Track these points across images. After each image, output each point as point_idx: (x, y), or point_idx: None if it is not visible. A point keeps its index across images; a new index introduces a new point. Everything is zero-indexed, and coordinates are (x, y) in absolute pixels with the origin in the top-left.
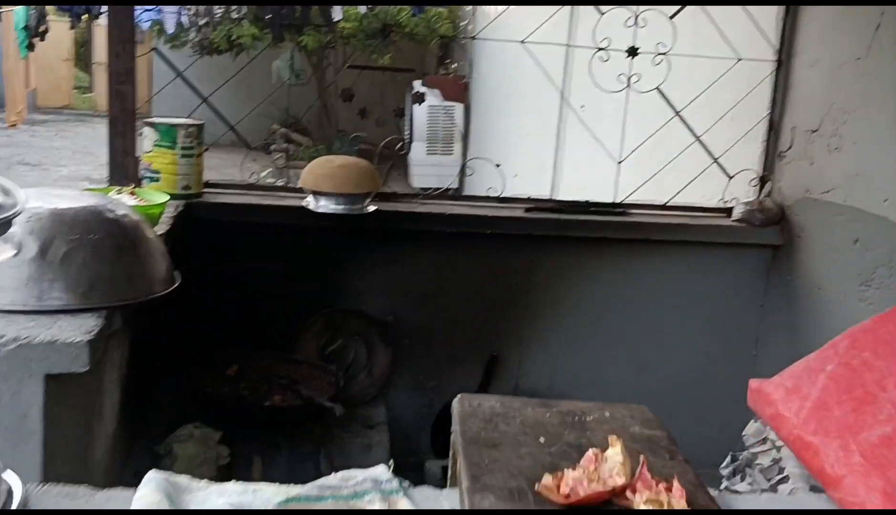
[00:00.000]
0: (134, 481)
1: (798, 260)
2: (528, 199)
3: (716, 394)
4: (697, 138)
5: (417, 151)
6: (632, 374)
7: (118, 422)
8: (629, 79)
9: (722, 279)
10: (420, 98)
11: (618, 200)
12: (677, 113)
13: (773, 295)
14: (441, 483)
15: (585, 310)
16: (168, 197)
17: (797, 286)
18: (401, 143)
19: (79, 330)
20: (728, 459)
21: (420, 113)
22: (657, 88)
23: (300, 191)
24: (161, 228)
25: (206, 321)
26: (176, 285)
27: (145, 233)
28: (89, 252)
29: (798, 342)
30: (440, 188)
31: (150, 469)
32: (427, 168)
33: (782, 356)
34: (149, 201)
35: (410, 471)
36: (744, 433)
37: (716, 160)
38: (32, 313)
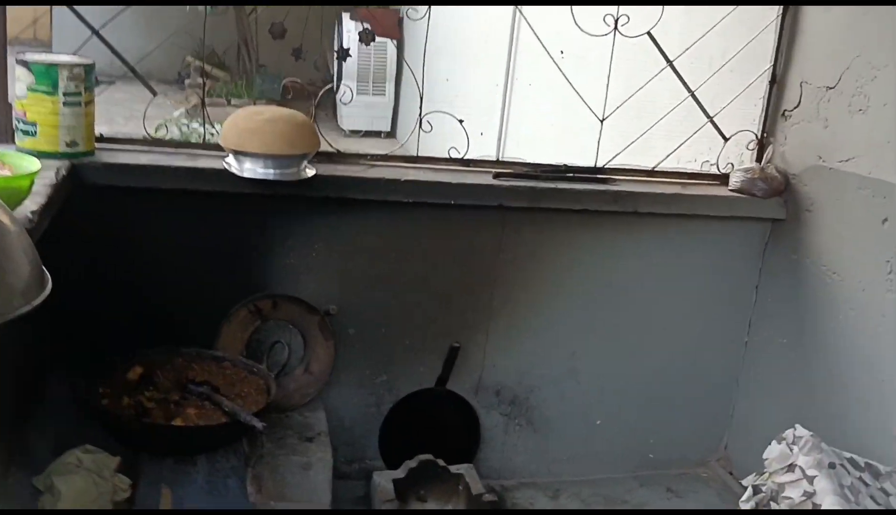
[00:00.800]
0: None
1: (806, 238)
2: (497, 162)
3: (704, 385)
4: (691, 92)
5: (346, 91)
6: (612, 365)
7: None
8: (616, 20)
9: (714, 256)
10: (369, 37)
11: (599, 165)
12: (670, 63)
13: (770, 276)
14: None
15: (562, 293)
16: (38, 166)
17: (803, 268)
18: (329, 87)
19: None
20: (749, 491)
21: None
22: (648, 33)
23: (220, 148)
24: (34, 201)
25: (103, 313)
26: (44, 295)
27: (2, 225)
28: None
29: (802, 332)
30: (375, 130)
31: (27, 510)
32: (358, 109)
33: (777, 345)
34: (15, 169)
35: (355, 480)
36: (765, 456)
37: (710, 119)
38: None
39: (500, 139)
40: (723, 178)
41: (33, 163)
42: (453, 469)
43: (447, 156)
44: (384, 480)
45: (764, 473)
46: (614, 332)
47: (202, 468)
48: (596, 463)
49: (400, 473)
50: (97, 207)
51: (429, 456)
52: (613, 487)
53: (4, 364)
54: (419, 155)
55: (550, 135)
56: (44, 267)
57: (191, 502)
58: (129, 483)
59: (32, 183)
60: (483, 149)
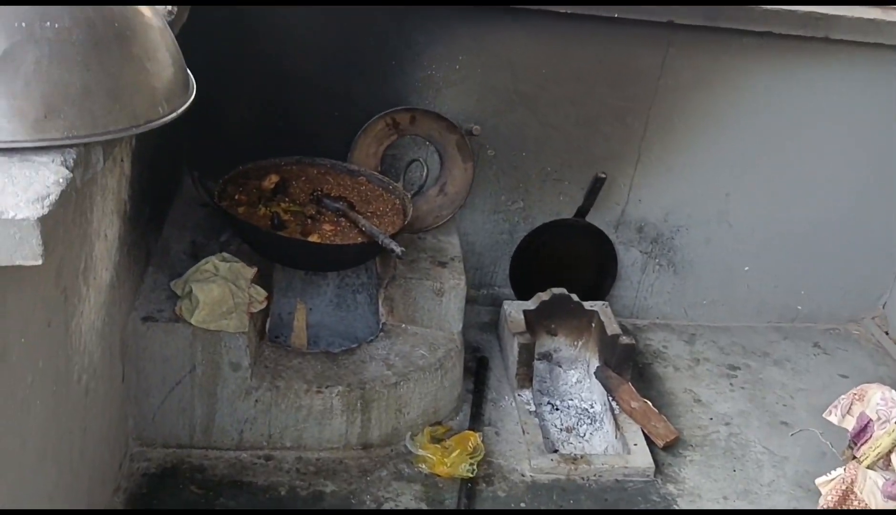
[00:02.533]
0: (142, 329)
1: None
2: None
3: (867, 237)
4: None
5: None
6: (768, 209)
7: (121, 259)
8: None
9: None
10: None
11: None
12: None
13: None
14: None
15: (724, 128)
16: None
17: None
18: None
19: (27, 192)
20: None
21: None
22: None
23: None
24: None
25: (237, 117)
26: (190, 100)
27: (142, 19)
28: (47, 52)
29: None
30: None
31: (162, 312)
32: None
33: None
34: None
35: (482, 306)
36: None
37: None
38: None
39: None
40: None
41: None
42: (587, 305)
43: None
44: (515, 310)
45: None
46: (775, 174)
47: (332, 281)
48: (737, 311)
49: (531, 304)
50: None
51: (562, 290)
52: (754, 337)
53: (143, 162)
54: None
55: None
56: (188, 70)
57: (320, 313)
58: (265, 295)
59: None
60: None
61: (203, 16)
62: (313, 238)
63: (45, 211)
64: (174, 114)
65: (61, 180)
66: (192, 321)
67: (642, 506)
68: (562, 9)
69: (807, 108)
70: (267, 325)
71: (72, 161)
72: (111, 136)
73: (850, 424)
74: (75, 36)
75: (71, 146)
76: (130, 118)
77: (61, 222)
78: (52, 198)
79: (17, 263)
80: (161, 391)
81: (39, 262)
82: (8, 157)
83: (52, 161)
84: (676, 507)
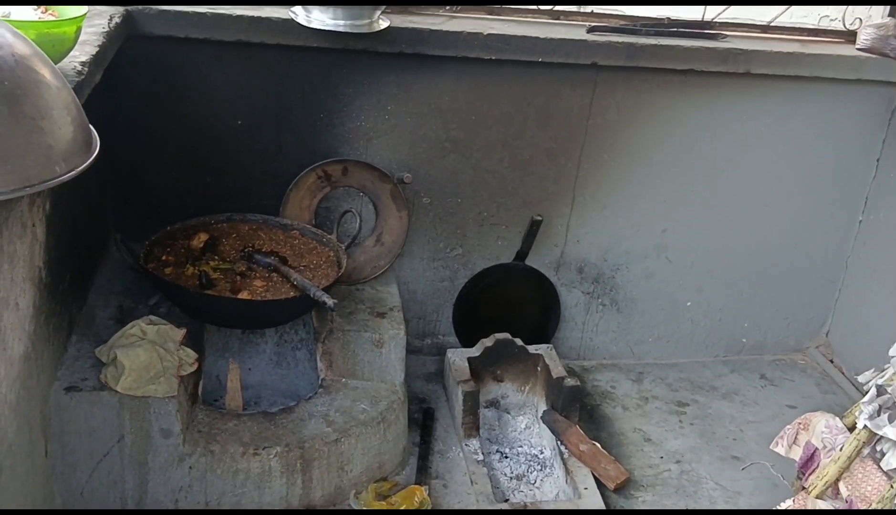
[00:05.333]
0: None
1: None
2: (591, 14)
3: (807, 266)
4: None
5: None
6: (706, 242)
7: (37, 328)
8: None
9: (832, 124)
10: None
11: (707, 18)
12: None
13: (895, 148)
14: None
15: (655, 163)
16: (86, 11)
17: None
18: None
19: None
20: (872, 392)
21: None
22: None
23: None
24: (83, 51)
25: (163, 177)
26: (92, 158)
27: (35, 77)
28: None
29: None
30: None
31: (86, 381)
32: None
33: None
34: (60, 14)
35: (426, 356)
36: (892, 353)
37: None
38: None
39: None
40: (849, 35)
41: (79, 8)
42: (532, 349)
43: (535, 7)
44: (459, 358)
45: (886, 371)
46: (710, 207)
47: (270, 339)
48: (683, 346)
49: (475, 351)
50: (153, 60)
51: (506, 335)
52: (701, 371)
53: (61, 227)
54: (504, 5)
55: None
56: (91, 127)
57: (260, 373)
58: (196, 357)
59: (79, 30)
60: None
61: (126, 76)
62: (243, 295)
63: None
64: (73, 173)
65: None
66: (118, 388)
67: None
68: (485, 55)
69: (734, 140)
70: (200, 388)
71: None
72: (1, 198)
73: (798, 454)
74: None
75: None
76: (21, 179)
77: None
78: None
79: None
80: (89, 464)
81: None
82: None
83: None
84: None
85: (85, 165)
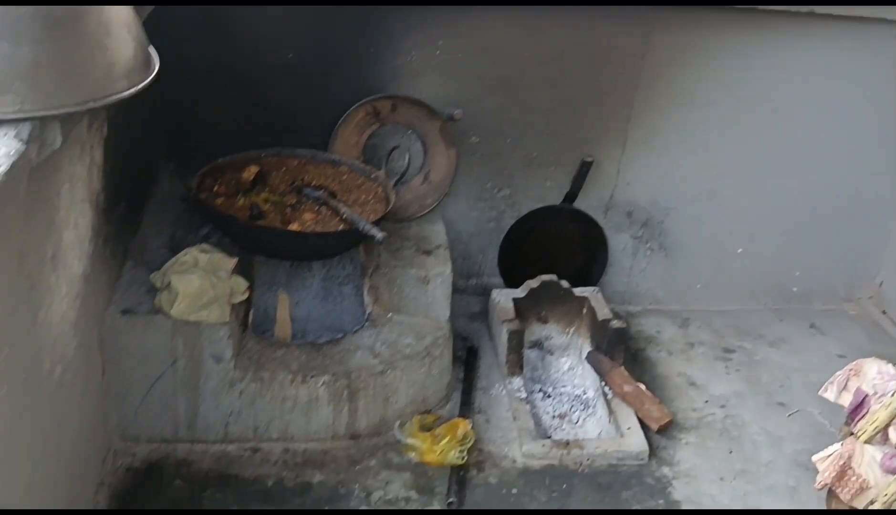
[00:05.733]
0: (121, 323)
1: None
2: None
3: (860, 214)
4: None
5: None
6: (759, 188)
7: (94, 251)
8: None
9: (893, 69)
10: None
11: None
12: None
13: None
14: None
15: (710, 105)
16: None
17: None
18: None
19: None
20: None
21: None
22: None
23: None
24: None
25: (215, 109)
26: (150, 78)
27: None
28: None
29: None
30: None
31: (141, 305)
32: None
33: None
34: None
35: (471, 296)
36: None
37: None
38: None
39: None
40: None
41: None
42: (577, 291)
43: None
44: (504, 298)
45: None
46: (765, 151)
47: (318, 273)
48: (731, 293)
49: (520, 292)
50: None
51: (552, 277)
52: (749, 319)
53: (116, 152)
54: None
55: None
56: (150, 47)
57: (307, 306)
58: (246, 286)
59: None
60: None
61: (176, 10)
62: (293, 226)
63: None
64: (134, 90)
65: (12, 152)
66: (172, 313)
67: (636, 489)
68: None
69: (793, 83)
70: (250, 318)
71: (25, 135)
72: (65, 110)
73: (847, 400)
74: (25, 11)
75: (22, 120)
76: (86, 93)
77: (13, 198)
78: (1, 170)
79: None
80: (143, 386)
81: None
82: None
83: (5, 134)
84: (672, 489)
85: (145, 82)
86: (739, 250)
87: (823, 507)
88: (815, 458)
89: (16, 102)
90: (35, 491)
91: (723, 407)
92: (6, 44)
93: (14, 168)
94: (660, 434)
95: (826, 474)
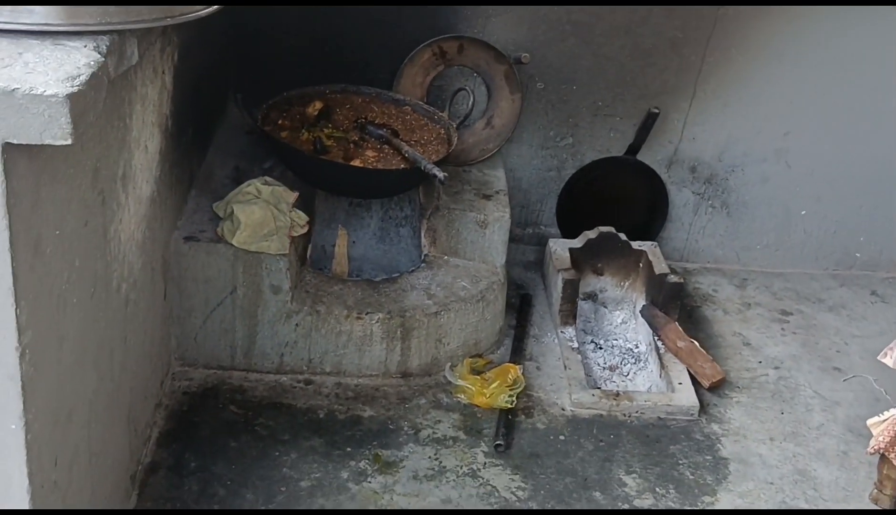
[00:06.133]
0: (184, 248)
1: None
2: None
3: None
4: None
5: None
6: (829, 150)
7: (162, 174)
8: None
9: None
10: None
11: None
12: None
13: None
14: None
15: (784, 60)
16: None
17: None
18: None
19: (57, 72)
20: None
21: None
22: None
23: None
24: None
25: (282, 43)
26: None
27: None
28: None
29: None
30: None
31: (203, 233)
32: None
33: None
34: None
35: (527, 245)
36: None
37: None
38: None
39: None
40: None
41: None
42: (635, 245)
43: None
44: (560, 248)
45: None
46: (838, 113)
47: (376, 213)
48: (793, 256)
49: (577, 243)
50: None
51: (610, 229)
52: (809, 283)
53: (186, 79)
54: None
55: None
56: None
57: (363, 246)
58: (307, 220)
59: None
60: None
61: None
62: (356, 162)
63: (75, 89)
64: (210, 10)
65: (92, 63)
66: (234, 242)
67: (684, 444)
68: None
69: (872, 43)
70: (308, 252)
71: (104, 47)
72: (145, 25)
73: None
74: None
75: (103, 32)
76: (165, 10)
77: (92, 108)
78: (83, 78)
79: (46, 142)
80: (203, 311)
81: (69, 142)
82: (40, 40)
83: (85, 46)
84: (720, 446)
85: (217, 6)
86: (803, 212)
87: (874, 472)
88: (869, 422)
89: (99, 14)
90: (98, 403)
91: (777, 368)
92: None
93: (94, 78)
94: (711, 391)
95: (881, 439)
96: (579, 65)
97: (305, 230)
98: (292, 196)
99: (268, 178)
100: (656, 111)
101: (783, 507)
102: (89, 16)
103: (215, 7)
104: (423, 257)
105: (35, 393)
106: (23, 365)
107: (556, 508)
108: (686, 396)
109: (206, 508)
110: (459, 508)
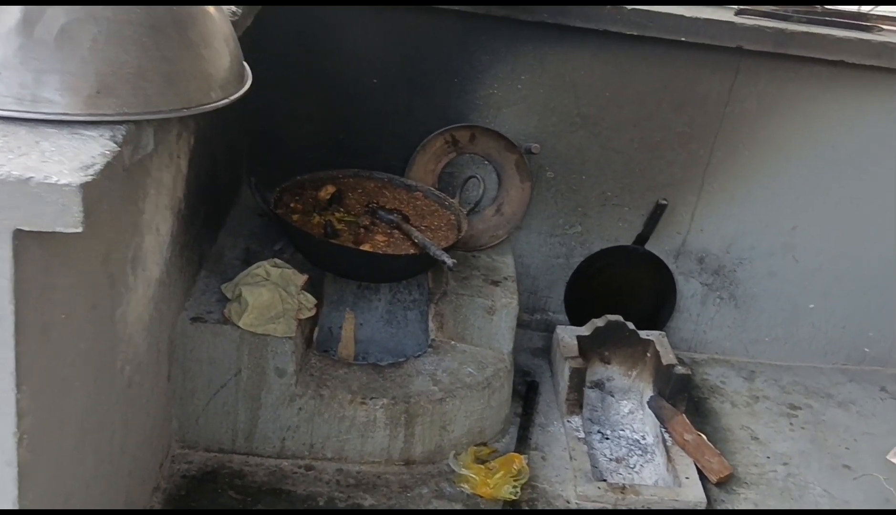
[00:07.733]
0: (191, 329)
1: None
2: None
3: None
4: None
5: None
6: (836, 244)
7: (172, 257)
8: None
9: None
10: None
11: (863, 9)
12: None
13: None
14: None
15: (792, 157)
16: None
17: None
18: None
19: (73, 161)
20: None
21: None
22: None
23: None
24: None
25: (297, 129)
26: (245, 89)
27: (205, 8)
28: (104, 31)
29: None
30: None
31: (211, 314)
32: None
33: None
34: None
35: (534, 331)
36: None
37: None
38: (6, 120)
39: None
40: None
41: None
42: (643, 334)
43: None
44: (568, 335)
45: None
46: (846, 208)
47: (384, 296)
48: (801, 350)
49: (585, 330)
50: (296, 15)
51: (618, 317)
52: (818, 377)
53: (201, 163)
54: None
55: None
56: (244, 62)
57: (371, 328)
58: (314, 303)
59: None
60: None
61: (268, 29)
62: (365, 247)
63: (89, 178)
64: (227, 101)
65: (107, 153)
66: (240, 324)
67: None
68: (627, 30)
69: (879, 141)
70: (315, 335)
71: (121, 137)
72: (162, 116)
73: None
74: (133, 16)
75: (121, 122)
76: (183, 100)
77: (106, 196)
78: (97, 168)
79: (58, 230)
80: (206, 393)
81: (79, 229)
82: (58, 130)
83: (101, 135)
84: None
85: (238, 94)
86: (812, 306)
87: None
88: None
89: (117, 105)
90: (95, 488)
91: (785, 464)
92: (113, 49)
93: (109, 167)
94: (718, 487)
95: None
96: (588, 156)
97: (313, 313)
98: (301, 278)
99: (277, 260)
100: (664, 203)
101: None
102: (107, 107)
103: (234, 97)
104: (429, 342)
105: (32, 478)
106: (20, 451)
107: None
108: (693, 491)
109: None
110: None
